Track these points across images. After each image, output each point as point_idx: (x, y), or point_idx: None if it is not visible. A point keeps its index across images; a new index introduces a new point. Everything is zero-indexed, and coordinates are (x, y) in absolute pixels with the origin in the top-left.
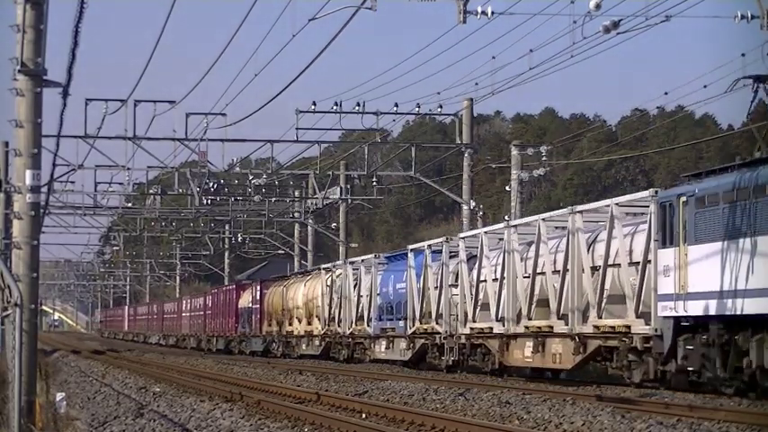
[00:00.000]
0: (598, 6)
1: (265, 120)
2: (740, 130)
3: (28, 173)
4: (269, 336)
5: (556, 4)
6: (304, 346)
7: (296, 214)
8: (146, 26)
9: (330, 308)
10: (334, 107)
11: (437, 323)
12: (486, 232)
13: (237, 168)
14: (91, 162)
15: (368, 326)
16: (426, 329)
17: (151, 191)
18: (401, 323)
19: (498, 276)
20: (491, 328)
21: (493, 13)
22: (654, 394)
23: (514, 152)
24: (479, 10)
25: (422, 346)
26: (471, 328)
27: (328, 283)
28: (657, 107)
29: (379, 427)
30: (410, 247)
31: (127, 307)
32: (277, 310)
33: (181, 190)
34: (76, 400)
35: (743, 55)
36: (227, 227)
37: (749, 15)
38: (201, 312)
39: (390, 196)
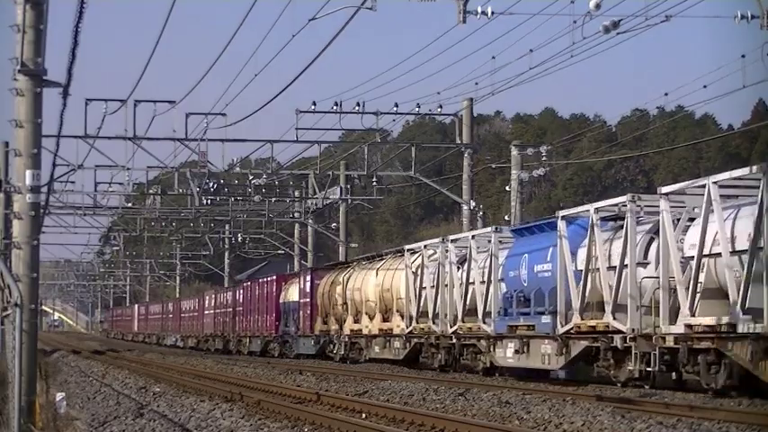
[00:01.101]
0: (598, 6)
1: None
2: (740, 130)
3: (28, 173)
4: (324, 335)
5: (556, 4)
6: (377, 349)
7: (296, 214)
8: (146, 26)
9: (420, 300)
10: (334, 107)
11: (614, 317)
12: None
13: (237, 168)
14: (91, 162)
15: (484, 322)
16: (595, 327)
17: (151, 191)
18: (545, 319)
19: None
20: None
21: (493, 13)
22: (654, 394)
23: (514, 152)
24: (479, 10)
25: (584, 350)
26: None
27: (415, 269)
28: (657, 107)
29: (379, 427)
30: (561, 213)
31: (137, 306)
32: (335, 305)
33: (181, 190)
34: (76, 400)
35: (743, 56)
36: (227, 227)
37: (749, 15)
38: (230, 309)
39: (390, 196)
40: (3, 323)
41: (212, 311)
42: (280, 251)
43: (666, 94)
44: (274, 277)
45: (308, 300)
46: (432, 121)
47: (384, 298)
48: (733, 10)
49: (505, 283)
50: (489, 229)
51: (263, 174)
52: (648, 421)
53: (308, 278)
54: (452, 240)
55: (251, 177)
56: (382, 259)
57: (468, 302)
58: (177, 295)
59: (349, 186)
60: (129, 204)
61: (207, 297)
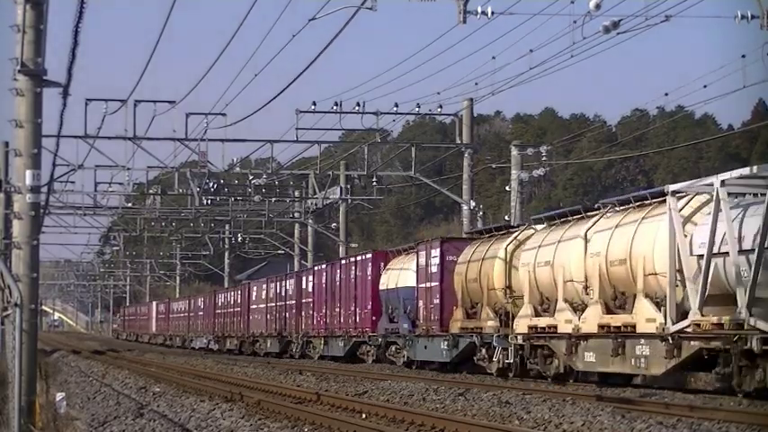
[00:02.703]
0: (598, 6)
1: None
2: (740, 130)
3: (28, 173)
4: (469, 335)
5: (556, 4)
6: (591, 357)
7: (296, 214)
8: (146, 26)
9: (707, 274)
10: (334, 107)
11: (750, 313)
12: None
13: (237, 168)
14: (91, 162)
15: None
16: (723, 324)
17: (151, 191)
18: None
19: None
20: None
21: (493, 13)
22: (654, 394)
23: (514, 152)
24: (479, 10)
25: (696, 353)
26: None
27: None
28: (657, 107)
29: (379, 427)
30: (671, 187)
31: (155, 303)
32: (491, 289)
33: (181, 190)
34: (76, 400)
35: (743, 56)
36: (227, 227)
37: (749, 15)
38: (293, 302)
39: (390, 196)
40: (3, 323)
41: (263, 305)
42: (280, 251)
43: (666, 94)
44: (369, 255)
45: (435, 284)
46: (432, 121)
47: (610, 275)
48: (733, 10)
49: None
50: None
51: (263, 174)
52: (648, 421)
53: (437, 253)
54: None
55: (251, 177)
56: (583, 216)
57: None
58: (177, 295)
59: (349, 186)
60: (129, 204)
61: (255, 288)
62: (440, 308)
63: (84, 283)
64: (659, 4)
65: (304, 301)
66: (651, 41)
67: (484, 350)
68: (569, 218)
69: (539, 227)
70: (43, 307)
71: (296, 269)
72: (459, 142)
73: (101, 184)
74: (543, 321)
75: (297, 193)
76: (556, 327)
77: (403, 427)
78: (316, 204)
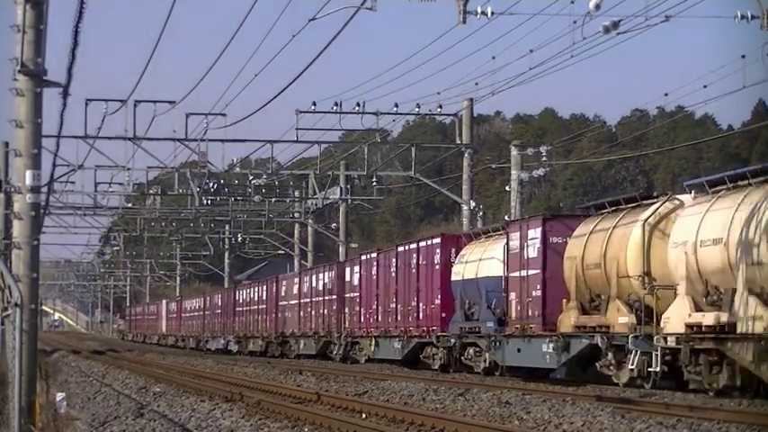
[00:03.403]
0: (598, 6)
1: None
2: (740, 130)
3: (28, 173)
4: (584, 334)
5: (556, 4)
6: None
7: (296, 214)
8: (146, 26)
9: None
10: (335, 107)
11: None
12: None
13: (237, 168)
14: (91, 162)
15: None
16: None
17: (151, 191)
18: None
19: None
20: None
21: (493, 13)
22: (654, 394)
23: (514, 152)
24: (479, 10)
25: None
26: None
27: None
28: (657, 107)
29: (379, 428)
30: None
31: (165, 302)
32: (624, 276)
33: (181, 190)
34: (76, 400)
35: (743, 56)
36: (227, 227)
37: (749, 15)
38: (332, 297)
39: (390, 196)
40: (3, 323)
41: (296, 302)
42: (280, 251)
43: (666, 95)
44: (437, 240)
45: (535, 272)
46: (432, 121)
47: None
48: (733, 10)
49: None
50: None
51: (263, 174)
52: (648, 421)
53: (537, 233)
54: None
55: (251, 177)
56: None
57: None
58: (177, 295)
59: (349, 186)
60: (129, 204)
61: (285, 282)
62: (541, 301)
63: (85, 284)
64: (659, 4)
65: (348, 295)
66: (651, 41)
67: (611, 354)
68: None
69: (684, 197)
70: (43, 307)
71: (296, 269)
72: (459, 142)
73: (101, 184)
74: (710, 318)
75: (297, 194)
76: (734, 325)
77: (403, 427)
78: (316, 204)
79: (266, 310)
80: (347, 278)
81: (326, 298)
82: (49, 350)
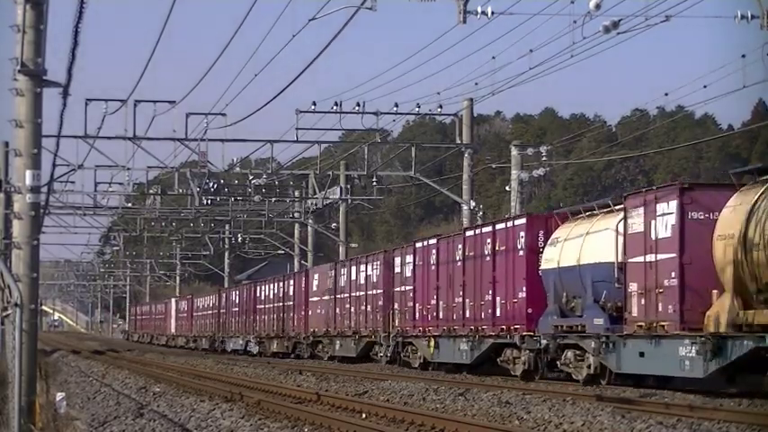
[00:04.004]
0: (598, 6)
1: (265, 120)
2: (740, 130)
3: (28, 173)
4: (746, 336)
5: (556, 4)
6: None
7: (296, 214)
8: (146, 26)
9: None
10: (334, 107)
11: None
12: None
13: (237, 168)
14: (91, 162)
15: None
16: None
17: (151, 191)
18: None
19: None
20: None
21: (493, 13)
22: (654, 394)
23: (514, 152)
24: (479, 10)
25: None
26: None
27: None
28: (657, 107)
29: (379, 427)
30: None
31: (174, 300)
32: None
33: (181, 190)
34: (76, 400)
35: (743, 56)
36: (227, 227)
37: (749, 15)
38: (377, 291)
39: (390, 196)
40: (3, 323)
41: (329, 297)
42: (280, 251)
43: (666, 94)
44: (522, 221)
45: (669, 256)
46: (432, 121)
47: None
48: (733, 10)
49: None
50: None
51: (263, 174)
52: (648, 421)
53: (672, 207)
54: None
55: (251, 177)
56: None
57: None
58: (177, 294)
59: (349, 186)
60: (129, 204)
61: (317, 276)
62: (679, 293)
63: (84, 283)
64: (659, 3)
65: (398, 289)
66: (651, 41)
67: None
68: None
69: None
70: (43, 307)
71: (296, 269)
72: (459, 142)
73: (101, 184)
74: None
75: (297, 193)
76: None
77: (403, 427)
78: (316, 204)
79: (294, 307)
80: (396, 269)
81: (371, 292)
82: (49, 350)
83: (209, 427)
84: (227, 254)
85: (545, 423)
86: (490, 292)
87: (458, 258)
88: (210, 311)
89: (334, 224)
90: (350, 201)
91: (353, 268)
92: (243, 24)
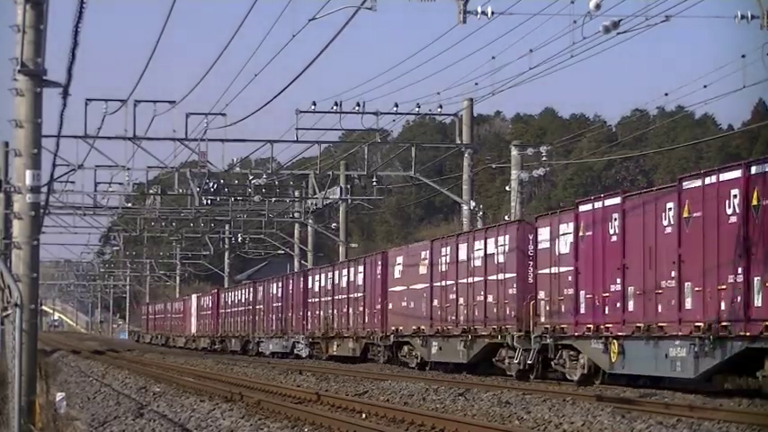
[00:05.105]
0: (598, 6)
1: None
2: (740, 130)
3: (28, 173)
4: None
5: (556, 4)
6: None
7: (296, 214)
8: (146, 26)
9: None
10: (334, 107)
11: None
12: None
13: (237, 168)
14: (91, 162)
15: None
16: None
17: (151, 191)
18: None
19: None
20: None
21: (493, 13)
22: (654, 394)
23: (514, 152)
24: (479, 10)
25: None
26: None
27: None
28: (657, 107)
29: (379, 428)
30: None
31: (195, 297)
32: None
33: (181, 190)
34: (76, 400)
35: (743, 56)
36: (227, 227)
37: (749, 15)
38: (497, 276)
39: (390, 196)
40: (3, 323)
41: (426, 285)
42: (280, 251)
43: (666, 94)
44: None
45: None
46: (432, 121)
47: None
48: (733, 10)
49: None
50: None
51: (263, 174)
52: (648, 421)
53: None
54: None
55: (251, 177)
56: None
57: None
58: (177, 295)
59: (349, 186)
60: (129, 204)
61: (401, 259)
62: None
63: (84, 283)
64: (659, 3)
65: (543, 272)
66: (651, 41)
67: None
68: None
69: None
70: (43, 307)
71: (296, 269)
72: (459, 142)
73: (101, 184)
74: None
75: (297, 193)
76: None
77: (403, 427)
78: (316, 204)
79: (366, 300)
80: (532, 246)
81: (500, 276)
82: (49, 350)
83: (209, 427)
84: (227, 254)
85: (545, 423)
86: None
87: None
88: (243, 308)
89: (334, 224)
90: (350, 201)
91: (465, 244)
92: (243, 24)
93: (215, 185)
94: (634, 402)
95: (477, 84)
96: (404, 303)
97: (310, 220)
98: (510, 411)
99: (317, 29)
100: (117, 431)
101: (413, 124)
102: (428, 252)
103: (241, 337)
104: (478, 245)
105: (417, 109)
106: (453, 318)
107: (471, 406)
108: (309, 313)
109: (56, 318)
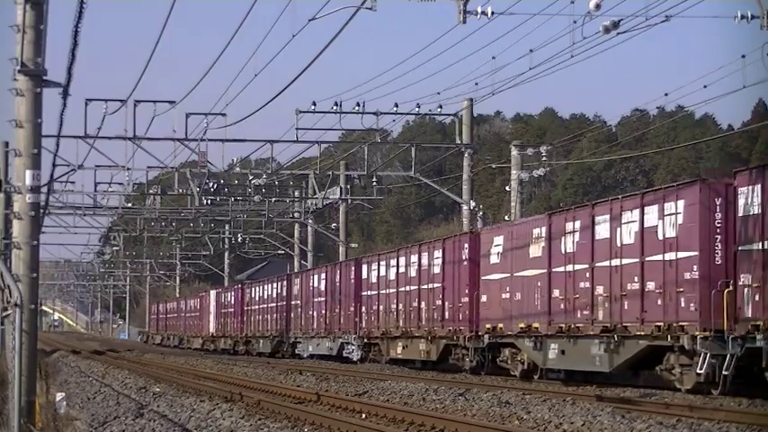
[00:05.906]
0: (598, 6)
1: (265, 120)
2: (740, 130)
3: (28, 173)
4: None
5: (556, 4)
6: None
7: (296, 214)
8: (146, 26)
9: None
10: (335, 107)
11: None
12: None
13: (237, 168)
14: (91, 162)
15: None
16: None
17: (151, 191)
18: None
19: None
20: None
21: (493, 13)
22: (654, 394)
23: (514, 152)
24: (479, 10)
25: None
26: None
27: None
28: (657, 107)
29: (379, 428)
30: None
31: (214, 292)
32: None
33: (181, 190)
34: (76, 400)
35: (743, 56)
36: (227, 227)
37: (749, 15)
38: (655, 257)
39: (390, 196)
40: (3, 323)
41: (506, 276)
42: (280, 251)
43: (666, 94)
44: None
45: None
46: (432, 122)
47: None
48: (733, 10)
49: None
50: None
51: (263, 174)
52: (648, 421)
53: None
54: None
55: (251, 177)
56: None
57: None
58: (177, 295)
59: (349, 186)
60: (129, 204)
61: (499, 239)
62: None
63: (84, 283)
64: (659, 3)
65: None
66: (651, 41)
67: None
68: None
69: None
70: (43, 307)
71: (296, 269)
72: (459, 142)
73: (101, 184)
74: None
75: (297, 193)
76: None
77: (403, 427)
78: (316, 204)
79: (447, 292)
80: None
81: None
82: (49, 350)
83: (209, 428)
84: (227, 254)
85: (545, 423)
86: None
87: None
88: (274, 304)
89: (334, 224)
90: (350, 201)
91: (604, 216)
92: (243, 24)
93: (215, 185)
94: (634, 402)
95: (477, 84)
96: (505, 295)
97: (310, 220)
98: (510, 411)
99: (316, 29)
100: (117, 431)
101: (413, 124)
102: (544, 229)
103: (272, 338)
104: (631, 215)
105: (417, 109)
106: (587, 312)
107: (471, 406)
108: (364, 309)
109: (56, 318)
